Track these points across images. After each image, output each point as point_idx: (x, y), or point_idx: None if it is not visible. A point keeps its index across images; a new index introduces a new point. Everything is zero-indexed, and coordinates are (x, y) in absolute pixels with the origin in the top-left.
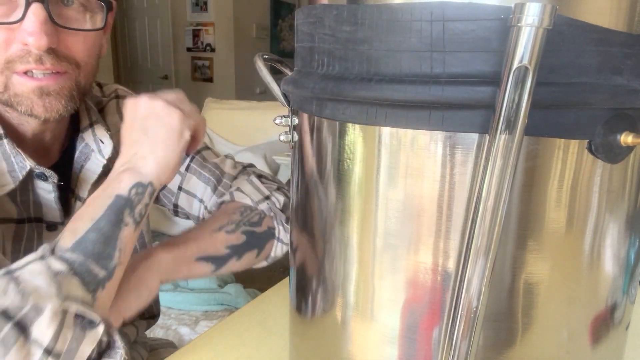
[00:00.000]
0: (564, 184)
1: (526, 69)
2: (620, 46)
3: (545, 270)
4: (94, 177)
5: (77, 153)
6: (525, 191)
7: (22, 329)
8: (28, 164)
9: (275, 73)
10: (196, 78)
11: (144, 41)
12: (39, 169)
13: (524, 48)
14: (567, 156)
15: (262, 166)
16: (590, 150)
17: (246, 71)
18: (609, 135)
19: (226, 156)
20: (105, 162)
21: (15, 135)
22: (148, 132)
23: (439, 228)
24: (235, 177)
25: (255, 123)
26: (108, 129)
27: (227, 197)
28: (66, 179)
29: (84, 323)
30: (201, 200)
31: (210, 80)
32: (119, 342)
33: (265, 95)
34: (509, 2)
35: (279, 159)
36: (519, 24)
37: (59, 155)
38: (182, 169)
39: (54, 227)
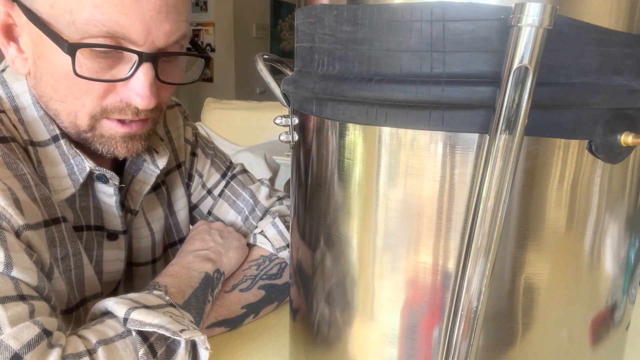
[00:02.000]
0: (564, 184)
1: (526, 69)
2: (620, 46)
3: (546, 271)
4: (147, 188)
5: (127, 163)
6: (526, 191)
7: None
8: (87, 165)
9: (276, 73)
10: None
11: None
12: (99, 170)
13: (524, 48)
14: (567, 156)
15: (262, 166)
16: (590, 150)
17: (246, 71)
18: (609, 135)
19: (261, 182)
20: (159, 172)
21: (73, 141)
22: (224, 237)
23: (439, 228)
24: (267, 210)
25: (255, 123)
26: (161, 138)
27: (250, 241)
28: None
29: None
30: None
31: (210, 80)
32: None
33: (265, 95)
34: (509, 2)
35: (279, 159)
36: (519, 24)
37: (113, 165)
38: (216, 193)
39: (114, 237)
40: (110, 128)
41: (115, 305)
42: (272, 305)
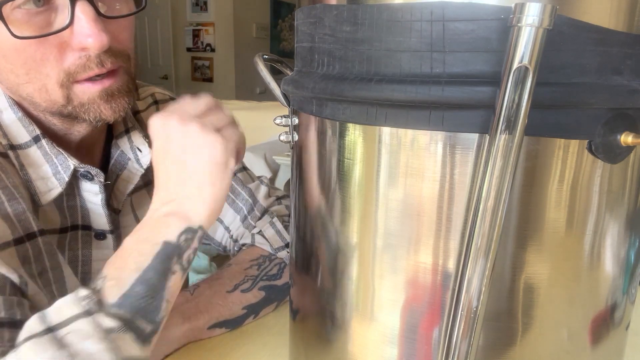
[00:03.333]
0: (564, 184)
1: (526, 69)
2: (620, 46)
3: (545, 270)
4: (131, 187)
5: (112, 161)
6: (525, 191)
7: None
8: (71, 163)
9: (276, 73)
10: (196, 78)
11: (144, 41)
12: (83, 167)
13: (524, 48)
14: (567, 156)
15: (262, 166)
16: (590, 150)
17: (246, 71)
18: (609, 135)
19: (261, 181)
20: (143, 171)
21: (53, 137)
22: (187, 167)
23: (439, 228)
24: (265, 210)
25: (255, 123)
26: (146, 136)
27: (247, 240)
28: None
29: None
30: (227, 228)
31: (210, 80)
32: None
33: (265, 95)
34: (509, 2)
35: (279, 159)
36: (519, 24)
37: (99, 164)
38: None
39: (102, 236)
40: (85, 91)
41: (28, 325)
42: (271, 305)
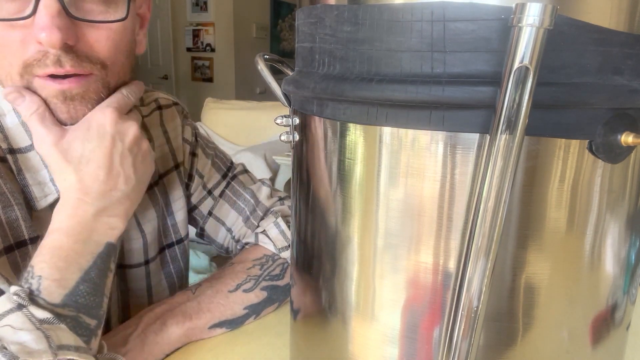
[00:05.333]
0: (564, 184)
1: (527, 69)
2: (620, 46)
3: (546, 270)
4: None
5: None
6: (526, 191)
7: None
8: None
9: (276, 73)
10: (196, 78)
11: None
12: None
13: (525, 48)
14: (568, 156)
15: (262, 166)
16: (590, 150)
17: (246, 71)
18: (609, 135)
19: (262, 182)
20: None
21: None
22: (113, 167)
23: (439, 228)
24: (268, 209)
25: (255, 123)
26: (150, 138)
27: (251, 239)
28: None
29: None
30: (229, 230)
31: (210, 80)
32: None
33: (265, 95)
34: (510, 2)
35: (279, 159)
36: (519, 24)
37: None
38: (216, 193)
39: None
40: (44, 87)
41: None
42: (273, 305)
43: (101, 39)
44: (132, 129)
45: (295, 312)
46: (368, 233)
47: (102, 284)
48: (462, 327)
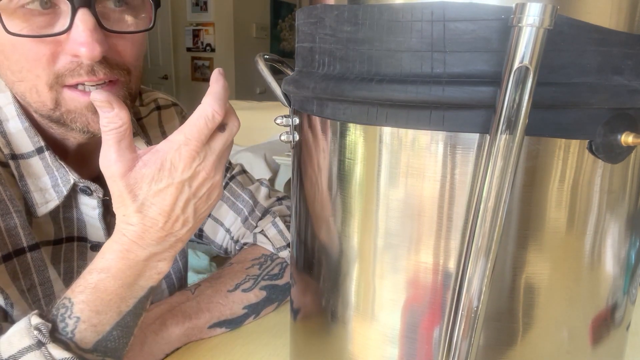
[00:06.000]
0: (564, 184)
1: (527, 69)
2: (620, 46)
3: (546, 270)
4: None
5: None
6: (526, 191)
7: None
8: (72, 177)
9: (276, 73)
10: (196, 78)
11: None
12: (83, 183)
13: (525, 48)
14: (568, 156)
15: (262, 166)
16: (590, 150)
17: (246, 71)
18: (609, 135)
19: (260, 182)
20: None
21: (56, 149)
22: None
23: (439, 228)
24: (267, 210)
25: (255, 123)
26: (149, 142)
27: (249, 239)
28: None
29: None
30: (228, 230)
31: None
32: None
33: (265, 95)
34: (510, 2)
35: (279, 159)
36: (519, 24)
37: (98, 172)
38: None
39: (98, 248)
40: (74, 99)
41: None
42: (272, 305)
43: (128, 47)
44: (203, 172)
45: (295, 312)
46: (368, 233)
47: (134, 325)
48: (462, 327)
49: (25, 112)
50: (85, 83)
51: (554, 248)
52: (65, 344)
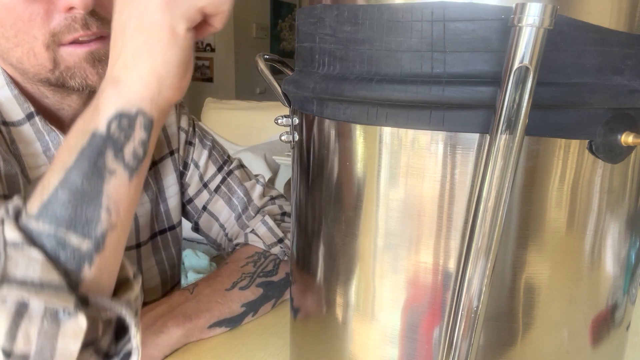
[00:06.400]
0: (564, 184)
1: (527, 69)
2: (620, 46)
3: (546, 270)
4: None
5: None
6: (526, 191)
7: None
8: (63, 140)
9: (276, 73)
10: (196, 78)
11: None
12: None
13: (525, 48)
14: (568, 156)
15: (262, 166)
16: (590, 150)
17: (246, 71)
18: (609, 135)
19: (257, 180)
20: None
21: (50, 120)
22: (125, 29)
23: (439, 228)
24: (259, 209)
25: (255, 123)
26: None
27: (241, 239)
28: None
29: (53, 313)
30: (222, 226)
31: (210, 80)
32: (133, 329)
33: (265, 95)
34: (510, 2)
35: (279, 159)
36: (519, 24)
37: None
38: (212, 187)
39: None
40: (71, 54)
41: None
42: (270, 303)
43: (112, 1)
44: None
45: (295, 312)
46: (368, 233)
47: (96, 191)
48: (462, 327)
49: (14, 82)
50: (80, 38)
51: (554, 248)
52: (20, 220)
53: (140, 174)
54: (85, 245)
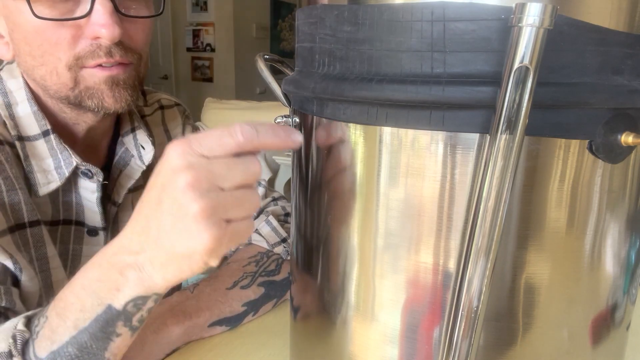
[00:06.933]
0: (564, 184)
1: (527, 69)
2: (620, 46)
3: (546, 270)
4: (131, 182)
5: (116, 158)
6: (526, 191)
7: None
8: (74, 160)
9: (276, 73)
10: (196, 78)
11: None
12: (85, 166)
13: (525, 48)
14: (568, 156)
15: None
16: (590, 150)
17: (246, 71)
18: (609, 135)
19: (259, 183)
20: (144, 168)
21: (64, 135)
22: (168, 231)
23: (439, 228)
24: (262, 210)
25: None
26: (151, 135)
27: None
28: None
29: None
30: None
31: (210, 80)
32: None
33: (265, 95)
34: (510, 2)
35: (279, 159)
36: (519, 24)
37: (103, 161)
38: None
39: (95, 233)
40: (92, 75)
41: None
42: (271, 302)
43: (139, 32)
44: (183, 181)
45: (295, 312)
46: (368, 233)
47: (100, 349)
48: (462, 327)
49: (35, 97)
50: (103, 64)
51: (554, 248)
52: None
53: (139, 330)
54: None
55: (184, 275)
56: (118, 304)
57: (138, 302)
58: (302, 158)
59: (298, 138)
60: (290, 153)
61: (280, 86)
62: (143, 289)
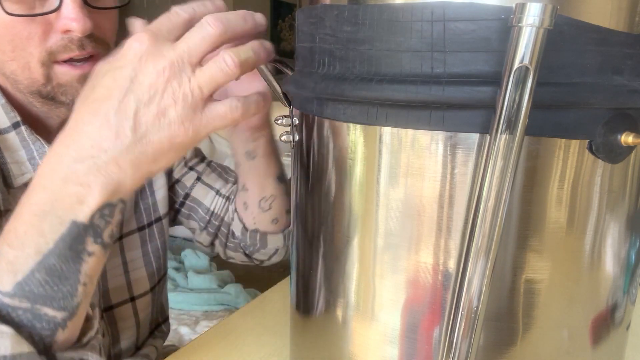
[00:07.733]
0: (564, 184)
1: (527, 69)
2: (620, 46)
3: (546, 270)
4: None
5: None
6: (526, 191)
7: None
8: (48, 150)
9: (276, 73)
10: None
11: None
12: None
13: (525, 48)
14: (568, 156)
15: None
16: (590, 150)
17: None
18: (609, 135)
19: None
20: None
21: (36, 126)
22: (129, 114)
23: (439, 228)
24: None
25: None
26: None
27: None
28: None
29: None
30: (218, 192)
31: None
32: None
33: None
34: (510, 2)
35: None
36: (519, 24)
37: None
38: (199, 169)
39: None
40: (65, 73)
41: None
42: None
43: (108, 22)
44: (151, 66)
45: (295, 312)
46: (368, 233)
47: (73, 271)
48: (462, 327)
49: (2, 90)
50: (75, 58)
51: (554, 248)
52: None
53: (111, 247)
54: (60, 315)
55: (156, 169)
56: (83, 217)
57: (104, 212)
58: (302, 158)
59: (261, 20)
60: (290, 153)
61: (280, 86)
62: (109, 195)
